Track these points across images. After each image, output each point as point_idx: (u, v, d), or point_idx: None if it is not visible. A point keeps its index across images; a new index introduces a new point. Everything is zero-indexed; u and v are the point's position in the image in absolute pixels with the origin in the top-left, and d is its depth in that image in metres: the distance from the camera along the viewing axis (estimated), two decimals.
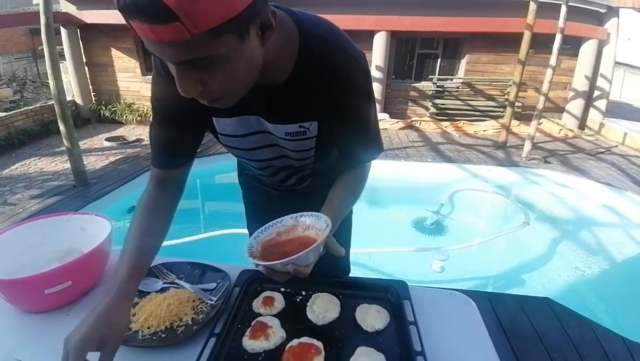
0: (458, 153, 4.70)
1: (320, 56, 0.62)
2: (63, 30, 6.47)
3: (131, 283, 0.63)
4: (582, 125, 6.54)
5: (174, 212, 0.77)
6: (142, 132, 6.45)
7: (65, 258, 0.85)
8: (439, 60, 6.72)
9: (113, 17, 6.39)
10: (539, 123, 4.61)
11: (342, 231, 1.06)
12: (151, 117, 0.73)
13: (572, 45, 6.03)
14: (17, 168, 4.56)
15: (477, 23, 5.96)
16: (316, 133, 0.72)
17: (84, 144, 5.51)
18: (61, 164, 4.59)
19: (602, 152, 5.06)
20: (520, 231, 2.96)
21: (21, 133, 5.62)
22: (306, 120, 0.70)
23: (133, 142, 5.74)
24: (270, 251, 0.65)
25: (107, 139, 5.72)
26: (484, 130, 6.09)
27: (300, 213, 0.70)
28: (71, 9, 6.56)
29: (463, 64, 6.62)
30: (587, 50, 6.16)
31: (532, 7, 4.30)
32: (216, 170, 4.38)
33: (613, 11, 6.08)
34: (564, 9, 3.90)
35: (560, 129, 6.11)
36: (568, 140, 5.77)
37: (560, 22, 3.94)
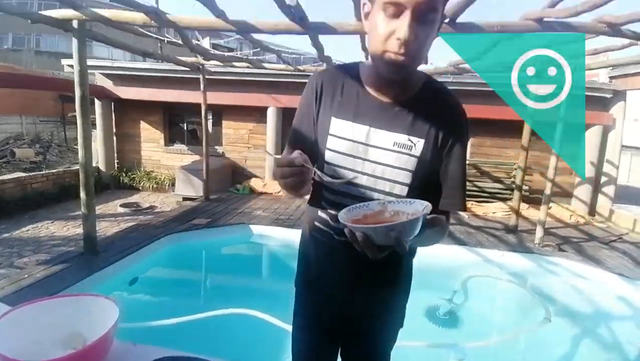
0: (469, 235, 4.64)
1: (441, 88, 0.87)
2: (97, 102, 7.09)
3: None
4: (592, 211, 6.47)
5: None
6: (155, 199, 6.62)
7: (71, 343, 0.83)
8: None
9: (146, 94, 7.05)
10: (549, 208, 4.60)
11: (393, 326, 1.05)
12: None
13: None
14: (28, 230, 4.62)
15: (479, 110, 6.32)
16: (419, 153, 0.82)
17: (99, 209, 5.62)
18: (73, 229, 4.65)
19: (614, 240, 4.93)
20: (542, 328, 2.76)
21: (38, 195, 5.69)
22: (416, 135, 0.82)
23: (146, 208, 5.87)
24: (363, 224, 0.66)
25: (122, 205, 5.87)
26: (493, 213, 6.07)
27: (387, 199, 0.73)
28: (108, 83, 7.28)
29: (468, 147, 6.88)
30: (591, 135, 6.23)
31: None
32: (226, 241, 4.37)
33: (620, 95, 6.08)
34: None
35: (571, 215, 6.05)
36: (580, 226, 5.68)
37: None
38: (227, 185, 6.98)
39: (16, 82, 6.98)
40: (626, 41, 3.11)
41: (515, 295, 3.59)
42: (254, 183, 6.96)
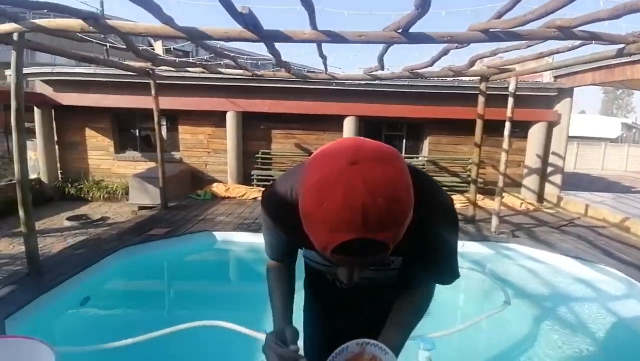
0: None
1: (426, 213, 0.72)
2: (37, 110, 6.50)
3: (285, 318, 0.89)
4: (540, 198, 6.98)
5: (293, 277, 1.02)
6: (108, 209, 6.18)
7: None
8: (404, 140, 7.25)
9: (90, 100, 6.56)
10: (502, 198, 4.89)
11: None
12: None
13: (520, 129, 6.69)
14: None
15: (434, 110, 6.63)
16: (399, 265, 0.85)
17: (43, 224, 5.17)
18: (19, 246, 4.24)
19: (565, 225, 5.34)
20: (503, 311, 2.91)
21: None
22: (392, 255, 0.78)
23: (97, 220, 5.45)
24: None
25: (69, 218, 5.41)
26: None
27: (365, 341, 0.73)
28: (47, 90, 6.69)
29: (426, 144, 7.15)
30: (536, 131, 6.77)
31: (481, 99, 4.87)
32: (187, 251, 4.16)
33: (566, 92, 6.55)
34: (510, 100, 4.38)
35: (521, 203, 6.48)
36: (530, 213, 6.09)
37: (508, 112, 4.40)
38: (187, 191, 6.69)
39: None
40: (575, 42, 3.10)
41: (477, 282, 3.76)
42: (216, 188, 6.72)
